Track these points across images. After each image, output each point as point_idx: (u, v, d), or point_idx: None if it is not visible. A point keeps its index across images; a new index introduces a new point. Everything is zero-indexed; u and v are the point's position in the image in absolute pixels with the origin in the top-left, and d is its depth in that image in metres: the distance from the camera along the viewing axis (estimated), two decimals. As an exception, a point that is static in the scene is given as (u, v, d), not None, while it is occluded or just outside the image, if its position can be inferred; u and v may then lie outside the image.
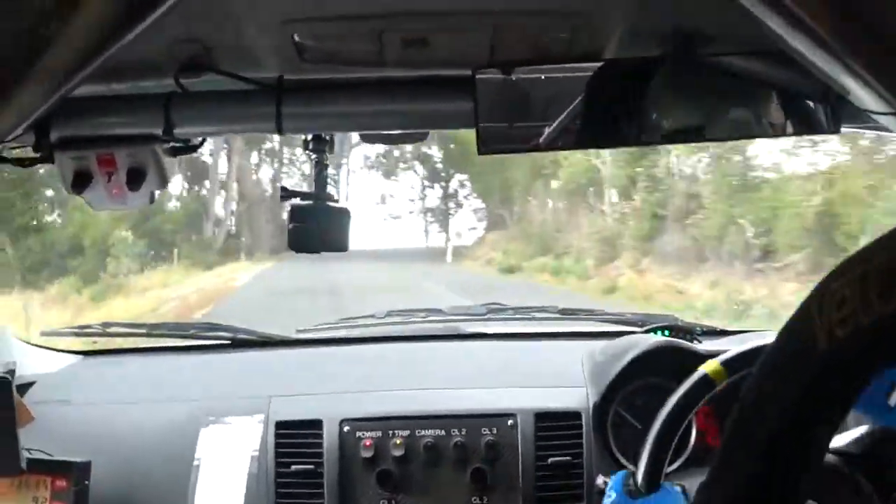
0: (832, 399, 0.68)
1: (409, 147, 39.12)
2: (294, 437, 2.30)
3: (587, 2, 1.36)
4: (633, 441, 2.19)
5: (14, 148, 1.73)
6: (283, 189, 1.84)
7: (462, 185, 45.45)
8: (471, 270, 28.51)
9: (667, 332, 2.58)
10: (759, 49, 1.43)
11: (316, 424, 2.30)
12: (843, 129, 1.56)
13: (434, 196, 47.79)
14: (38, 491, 2.14)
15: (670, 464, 1.74)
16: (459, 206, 46.88)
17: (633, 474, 1.67)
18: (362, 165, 46.79)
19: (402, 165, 46.85)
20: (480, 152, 1.58)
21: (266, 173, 43.75)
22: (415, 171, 47.20)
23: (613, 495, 1.65)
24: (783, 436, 0.69)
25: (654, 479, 1.64)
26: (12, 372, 1.91)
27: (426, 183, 47.46)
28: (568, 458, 2.23)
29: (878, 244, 0.62)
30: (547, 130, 1.55)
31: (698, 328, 2.67)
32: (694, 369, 1.72)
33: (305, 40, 1.46)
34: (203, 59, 1.51)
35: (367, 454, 2.24)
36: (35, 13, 1.18)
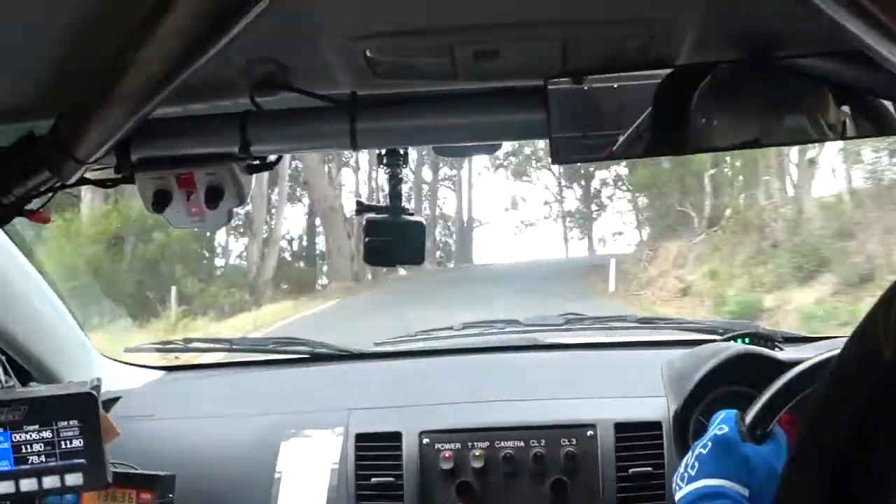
0: None
1: (541, 143, 35.90)
2: (374, 450, 2.31)
3: (659, 8, 1.35)
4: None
5: (96, 169, 1.77)
6: (359, 203, 1.85)
7: (605, 184, 39.52)
8: (663, 312, 15.66)
9: (747, 340, 2.54)
10: (836, 50, 1.41)
11: (395, 437, 2.31)
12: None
13: (573, 197, 41.71)
14: (124, 504, 2.18)
15: None
16: (602, 207, 40.41)
17: (743, 417, 1.64)
18: (488, 166, 42.65)
19: (534, 164, 40.26)
20: (554, 162, 1.58)
21: (346, 174, 35.09)
22: (550, 170, 40.07)
23: (725, 428, 1.59)
24: (849, 441, 0.68)
25: (764, 424, 1.60)
26: (98, 388, 1.94)
27: (564, 182, 41.48)
28: (649, 468, 2.21)
29: None
30: (621, 138, 1.54)
31: (780, 335, 2.62)
32: (775, 377, 1.69)
33: (377, 56, 1.47)
34: (277, 77, 1.52)
35: (447, 466, 2.25)
36: (114, 40, 1.21)
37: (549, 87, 1.50)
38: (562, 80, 1.51)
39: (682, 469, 1.62)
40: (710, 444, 1.59)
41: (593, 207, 40.84)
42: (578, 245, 41.38)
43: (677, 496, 1.60)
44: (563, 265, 29.77)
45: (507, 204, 43.35)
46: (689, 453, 1.63)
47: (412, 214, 1.84)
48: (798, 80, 1.47)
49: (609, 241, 38.41)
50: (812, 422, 0.71)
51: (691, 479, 1.57)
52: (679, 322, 3.04)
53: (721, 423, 1.62)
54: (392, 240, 1.84)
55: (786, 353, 2.37)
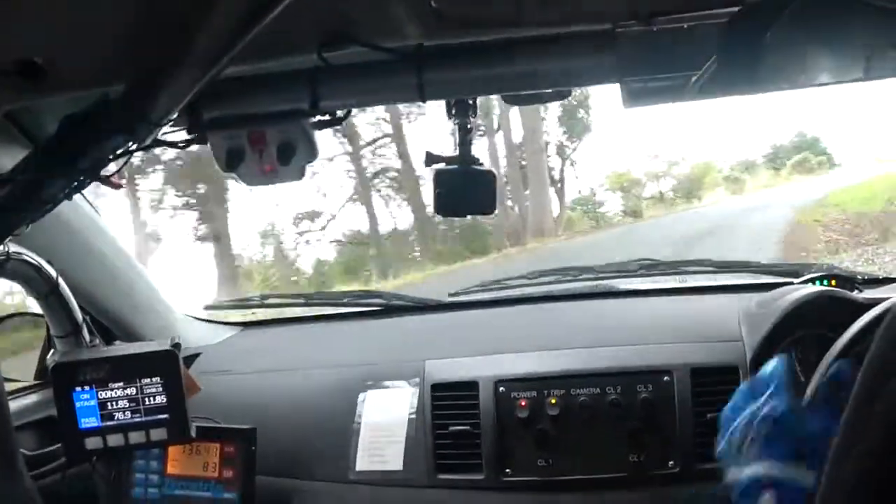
0: None
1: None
2: (450, 399, 2.34)
3: None
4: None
5: (169, 131, 1.79)
6: (428, 154, 1.85)
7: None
8: None
9: (825, 282, 2.51)
10: None
11: (472, 386, 2.33)
12: None
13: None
14: (208, 457, 2.24)
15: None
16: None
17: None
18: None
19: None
20: (626, 106, 1.56)
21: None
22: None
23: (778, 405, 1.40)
24: None
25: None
26: (178, 345, 1.99)
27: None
28: None
29: None
30: (693, 79, 1.52)
31: (859, 276, 2.58)
32: (854, 319, 1.65)
33: (443, 6, 1.46)
34: (344, 32, 1.52)
35: (523, 414, 2.26)
36: (182, 1, 1.22)
37: (618, 30, 1.49)
38: (630, 22, 1.49)
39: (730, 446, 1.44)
40: (763, 424, 1.40)
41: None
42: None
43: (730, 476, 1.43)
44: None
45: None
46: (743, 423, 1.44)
47: (482, 164, 1.83)
48: (872, 12, 1.42)
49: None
50: (864, 388, 0.68)
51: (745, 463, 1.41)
52: (756, 265, 2.98)
53: (773, 397, 1.42)
54: (462, 190, 1.84)
55: (865, 294, 2.33)
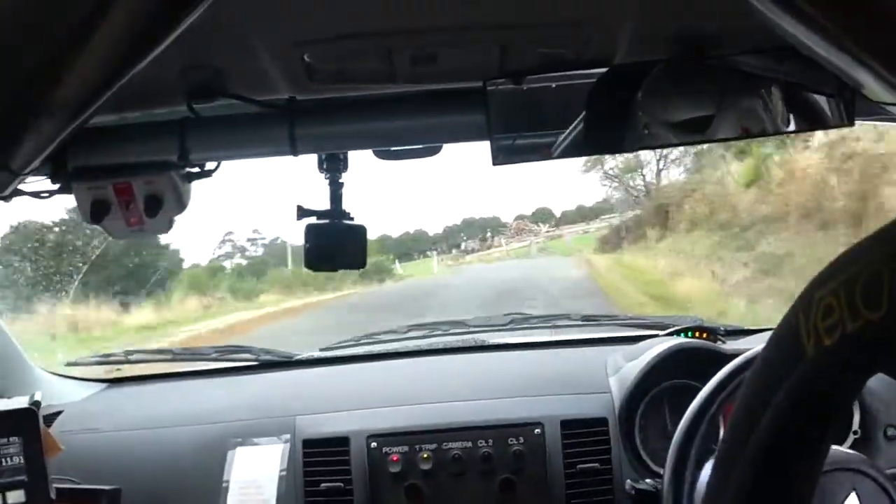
0: (822, 407, 0.66)
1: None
2: (322, 455, 2.31)
3: (593, 10, 1.36)
4: (661, 444, 2.18)
5: (32, 181, 1.74)
6: (300, 208, 1.84)
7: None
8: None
9: (689, 334, 2.58)
10: (769, 46, 1.43)
11: (343, 441, 2.31)
12: (857, 122, 1.54)
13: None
14: (69, 520, 2.15)
15: (700, 466, 1.72)
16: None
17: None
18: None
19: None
20: (494, 164, 1.58)
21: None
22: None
23: None
24: (775, 446, 0.67)
25: (679, 481, 1.59)
26: (38, 403, 1.92)
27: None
28: (596, 464, 2.23)
29: (862, 249, 0.60)
30: (560, 138, 1.55)
31: (722, 328, 2.66)
32: (717, 369, 1.71)
33: (315, 61, 1.46)
34: (215, 84, 1.51)
35: (395, 469, 2.24)
36: (49, 46, 1.19)
37: (488, 88, 1.51)
38: (500, 81, 1.51)
39: None
40: None
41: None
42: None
43: None
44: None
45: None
46: None
47: (353, 219, 1.83)
48: (734, 77, 1.49)
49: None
50: (733, 429, 0.71)
51: None
52: (623, 318, 3.06)
53: None
54: (333, 245, 1.83)
55: (728, 346, 2.40)
